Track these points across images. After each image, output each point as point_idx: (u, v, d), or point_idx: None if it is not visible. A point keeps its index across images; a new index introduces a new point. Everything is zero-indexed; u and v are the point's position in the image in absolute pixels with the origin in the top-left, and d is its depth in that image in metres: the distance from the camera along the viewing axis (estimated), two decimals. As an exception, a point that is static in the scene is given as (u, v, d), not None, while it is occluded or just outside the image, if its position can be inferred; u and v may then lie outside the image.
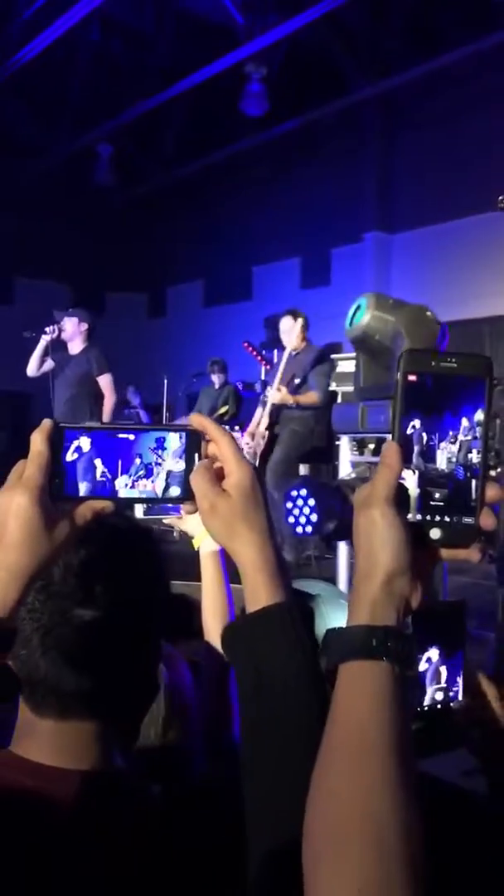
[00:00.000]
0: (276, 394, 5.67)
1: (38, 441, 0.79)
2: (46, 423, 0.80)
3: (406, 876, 0.57)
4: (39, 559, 0.77)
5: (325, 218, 11.73)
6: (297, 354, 5.84)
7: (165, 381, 8.32)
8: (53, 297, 14.09)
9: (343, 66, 10.32)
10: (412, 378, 0.72)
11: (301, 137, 11.59)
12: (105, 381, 6.77)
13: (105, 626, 0.89)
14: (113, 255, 14.26)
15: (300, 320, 5.99)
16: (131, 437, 0.81)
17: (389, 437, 0.74)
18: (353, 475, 3.49)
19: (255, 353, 9.84)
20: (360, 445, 3.71)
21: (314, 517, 2.60)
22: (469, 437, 0.73)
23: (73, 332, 6.75)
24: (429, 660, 1.08)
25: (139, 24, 10.72)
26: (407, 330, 3.13)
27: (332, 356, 7.50)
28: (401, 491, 0.71)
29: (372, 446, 4.79)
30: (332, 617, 1.24)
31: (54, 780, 0.87)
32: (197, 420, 0.83)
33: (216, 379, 8.66)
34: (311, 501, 2.36)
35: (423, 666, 0.99)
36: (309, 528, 2.31)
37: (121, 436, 0.81)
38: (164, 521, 1.95)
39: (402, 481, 0.71)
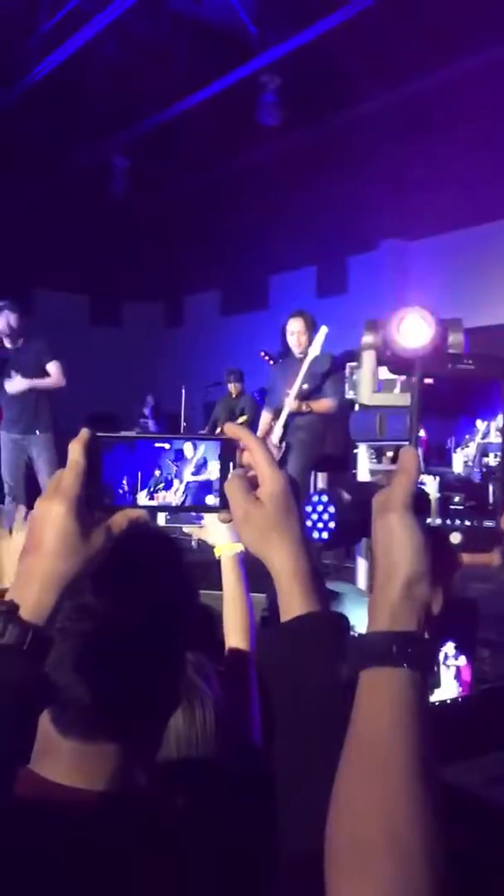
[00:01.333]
0: (292, 402, 5.66)
1: (75, 451, 0.80)
2: (84, 432, 0.81)
3: (427, 886, 0.57)
4: (75, 567, 0.78)
5: (341, 226, 11.74)
6: (311, 362, 5.82)
7: (183, 391, 8.35)
8: (72, 308, 14.21)
9: (358, 73, 10.34)
10: (429, 381, 0.71)
11: (316, 146, 11.62)
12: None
13: (133, 634, 0.89)
14: (130, 266, 14.34)
15: (308, 322, 5.98)
16: (167, 446, 0.82)
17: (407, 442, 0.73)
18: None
19: (271, 361, 9.84)
20: (379, 453, 3.71)
21: (332, 524, 2.59)
22: (485, 440, 0.72)
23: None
24: (444, 655, 1.08)
25: (154, 37, 10.79)
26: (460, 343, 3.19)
27: (349, 364, 7.49)
28: (421, 495, 0.70)
29: (390, 454, 4.78)
30: (355, 616, 1.24)
31: (76, 801, 0.86)
32: (231, 429, 0.83)
33: (233, 388, 8.70)
34: (331, 509, 2.37)
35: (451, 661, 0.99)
36: (325, 535, 2.30)
37: (156, 445, 0.83)
38: (185, 529, 1.96)
39: (422, 486, 0.71)
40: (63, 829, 0.83)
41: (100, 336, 14.04)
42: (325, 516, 2.56)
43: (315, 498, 2.60)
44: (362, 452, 3.62)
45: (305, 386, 5.75)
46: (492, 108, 9.89)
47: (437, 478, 0.72)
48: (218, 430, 8.35)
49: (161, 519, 1.90)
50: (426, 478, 0.71)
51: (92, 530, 0.79)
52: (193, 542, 6.42)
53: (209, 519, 1.73)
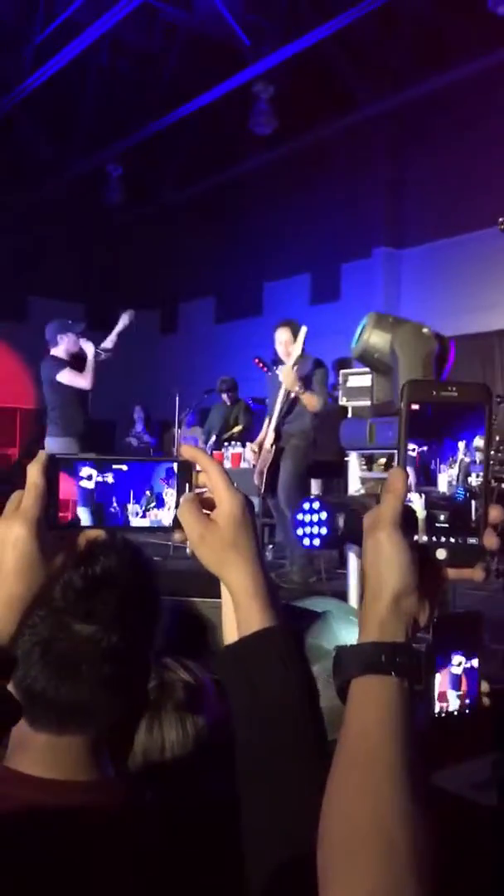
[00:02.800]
0: (285, 370, 5.65)
1: (34, 473, 0.81)
2: (42, 454, 0.83)
3: (415, 887, 0.60)
4: (35, 588, 0.79)
5: (335, 234, 11.80)
6: (295, 365, 5.88)
7: (177, 398, 8.36)
8: (67, 315, 14.17)
9: (351, 82, 10.41)
10: (415, 407, 0.75)
11: (310, 155, 11.68)
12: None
13: (104, 641, 0.92)
14: (124, 273, 14.36)
15: (294, 330, 6.04)
16: (124, 468, 0.84)
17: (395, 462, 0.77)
18: (363, 491, 3.52)
19: (265, 368, 9.86)
20: (369, 461, 3.74)
21: (324, 531, 2.63)
22: (468, 460, 0.76)
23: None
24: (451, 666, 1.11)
25: (148, 47, 10.86)
26: (401, 347, 3.18)
27: (343, 371, 7.53)
28: (408, 513, 0.73)
29: (383, 461, 4.82)
30: (342, 632, 1.27)
31: (50, 792, 0.90)
32: (188, 451, 0.85)
33: (226, 398, 8.71)
34: (323, 515, 2.40)
35: (456, 670, 1.02)
36: (317, 542, 2.34)
37: (115, 467, 0.84)
38: (175, 536, 1.98)
39: (409, 504, 0.74)
40: (40, 818, 0.86)
41: (95, 342, 14.02)
42: (316, 521, 2.60)
43: (305, 505, 2.64)
44: (353, 460, 3.65)
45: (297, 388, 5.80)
46: (484, 116, 9.97)
47: (423, 495, 0.75)
48: (213, 438, 8.36)
49: None
50: (413, 495, 0.75)
51: (52, 551, 0.81)
52: (188, 551, 6.40)
53: None
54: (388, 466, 4.45)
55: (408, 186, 11.29)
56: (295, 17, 8.98)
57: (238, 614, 0.84)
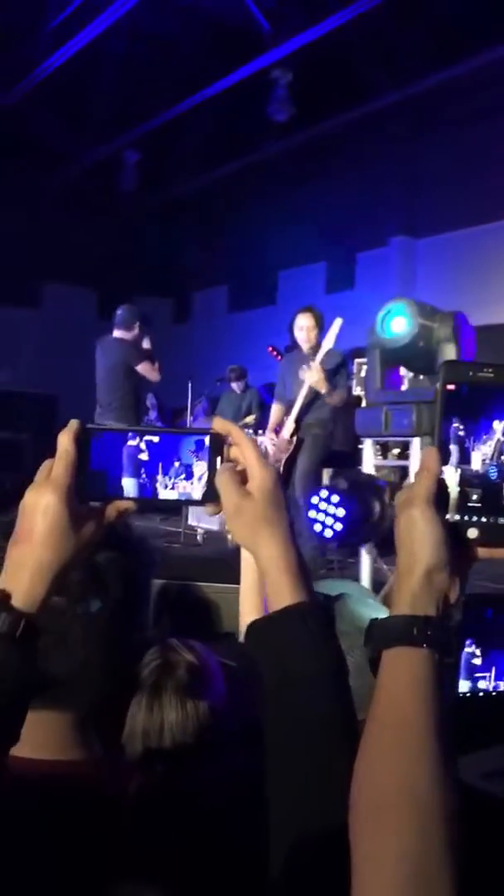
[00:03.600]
0: (312, 373, 5.49)
1: (64, 441, 0.81)
2: (73, 423, 0.82)
3: (444, 844, 0.62)
4: (65, 556, 0.79)
5: (350, 223, 11.73)
6: (325, 354, 5.77)
7: (189, 386, 8.34)
8: (80, 302, 14.24)
9: (368, 70, 10.33)
10: (451, 387, 0.77)
11: (326, 142, 11.61)
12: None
13: (70, 612, 0.91)
14: (139, 261, 14.36)
15: (317, 317, 5.95)
16: (155, 439, 0.83)
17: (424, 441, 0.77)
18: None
19: (279, 357, 9.84)
20: (384, 449, 3.71)
21: (339, 526, 2.60)
22: (502, 439, 0.77)
23: None
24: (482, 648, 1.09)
25: (165, 32, 10.80)
26: (454, 335, 3.17)
27: (357, 360, 7.50)
28: (443, 492, 0.75)
29: (396, 451, 4.78)
30: (360, 614, 1.24)
31: (33, 772, 0.89)
32: (220, 424, 0.85)
33: (236, 386, 8.68)
34: (340, 512, 2.37)
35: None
36: (329, 533, 2.32)
37: (147, 438, 0.84)
38: (207, 510, 1.94)
39: (442, 478, 0.75)
40: (20, 799, 0.85)
41: (108, 330, 14.02)
42: (331, 509, 2.57)
43: (324, 493, 2.60)
44: (368, 448, 3.61)
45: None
46: (501, 106, 9.87)
47: (459, 470, 0.76)
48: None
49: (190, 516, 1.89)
50: (447, 469, 0.76)
51: (82, 520, 0.80)
52: (199, 537, 6.38)
53: None
54: (402, 455, 4.41)
55: (425, 175, 11.21)
56: (313, 2, 8.90)
57: (269, 589, 0.84)
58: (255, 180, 12.53)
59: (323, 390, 5.40)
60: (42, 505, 0.78)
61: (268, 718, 0.81)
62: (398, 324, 3.26)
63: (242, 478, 0.84)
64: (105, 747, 0.97)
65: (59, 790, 0.88)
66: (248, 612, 1.50)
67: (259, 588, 1.52)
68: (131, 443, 0.83)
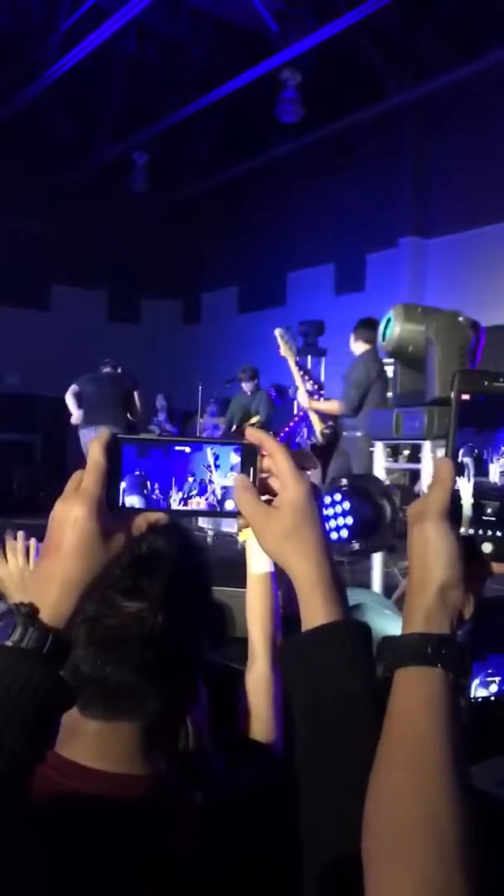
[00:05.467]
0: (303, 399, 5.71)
1: (96, 452, 0.79)
2: (105, 433, 0.81)
3: (464, 874, 0.60)
4: (94, 570, 0.77)
5: (360, 223, 11.71)
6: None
7: (200, 388, 8.35)
8: (90, 304, 14.28)
9: (378, 71, 10.31)
10: (465, 397, 0.74)
11: (336, 143, 11.60)
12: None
13: (151, 620, 0.89)
14: (148, 262, 14.38)
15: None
16: (187, 449, 0.81)
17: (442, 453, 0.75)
18: (388, 482, 3.48)
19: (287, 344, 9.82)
20: (395, 452, 3.70)
21: (344, 532, 2.59)
22: None
23: None
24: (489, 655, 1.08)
25: (175, 33, 10.82)
26: (438, 338, 3.13)
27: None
28: (457, 505, 0.72)
29: (406, 452, 4.77)
30: (377, 625, 1.23)
31: (100, 784, 0.88)
32: (253, 434, 0.82)
33: (247, 386, 8.66)
34: (346, 505, 2.36)
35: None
36: (345, 533, 2.31)
37: (177, 448, 0.82)
38: (238, 524, 1.93)
39: (457, 490, 0.73)
40: (86, 810, 0.85)
41: (118, 332, 14.08)
42: (341, 518, 2.56)
43: (327, 499, 2.59)
44: (379, 451, 3.61)
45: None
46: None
47: (473, 482, 0.74)
48: (233, 428, 8.33)
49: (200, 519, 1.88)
50: (461, 481, 0.73)
51: (112, 533, 0.78)
52: (209, 539, 6.36)
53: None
54: (412, 458, 4.40)
55: (435, 176, 11.18)
56: (323, 3, 8.89)
57: (301, 605, 0.82)
58: (265, 182, 12.53)
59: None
60: (71, 518, 0.76)
61: (302, 739, 0.79)
62: (391, 330, 3.26)
63: (274, 489, 0.81)
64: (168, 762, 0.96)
65: (119, 804, 0.87)
66: (254, 626, 1.48)
67: (264, 599, 1.49)
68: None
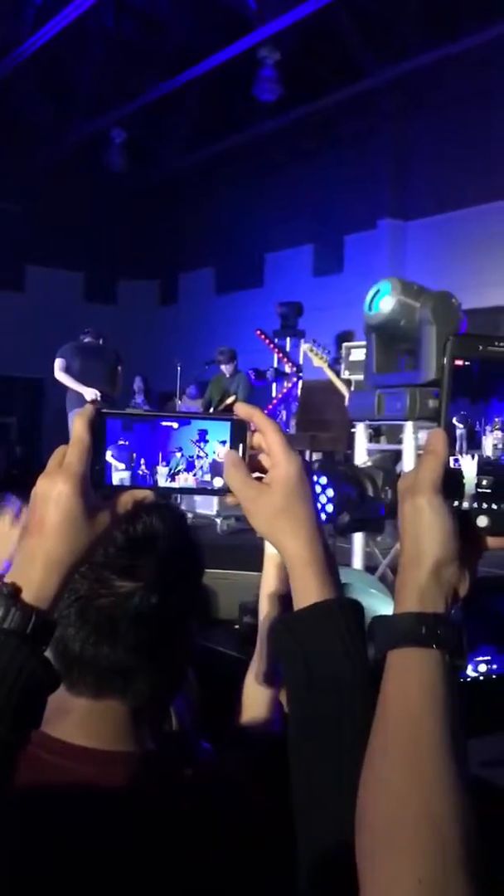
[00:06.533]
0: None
1: (79, 427, 0.76)
2: (88, 408, 0.77)
3: (464, 865, 0.58)
4: (79, 548, 0.74)
5: (339, 205, 11.67)
6: None
7: (179, 369, 8.29)
8: (65, 285, 14.13)
9: (357, 50, 10.24)
10: (459, 363, 0.71)
11: (314, 123, 11.52)
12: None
13: (145, 600, 0.88)
14: (124, 242, 14.25)
15: None
16: (174, 425, 0.79)
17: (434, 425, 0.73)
18: (369, 463, 3.47)
19: (267, 340, 9.80)
20: (377, 433, 3.69)
21: (329, 507, 2.57)
22: None
23: None
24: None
25: (153, 9, 10.66)
26: (435, 316, 3.09)
27: (345, 344, 7.47)
28: (450, 478, 0.69)
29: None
30: (367, 608, 1.21)
31: (88, 762, 0.87)
32: (243, 409, 0.80)
33: (226, 368, 8.61)
34: (329, 492, 2.35)
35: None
36: (322, 517, 2.29)
37: (164, 424, 0.80)
38: (228, 500, 1.89)
39: (458, 467, 0.70)
40: (77, 788, 0.84)
41: (95, 313, 13.93)
42: (323, 498, 2.55)
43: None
44: (360, 432, 3.59)
45: None
46: (493, 87, 9.82)
47: (476, 457, 0.71)
48: (211, 410, 8.29)
49: (197, 497, 1.87)
50: (465, 458, 0.70)
51: (96, 511, 0.76)
52: (189, 522, 6.40)
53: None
54: (391, 439, 4.39)
55: (414, 157, 11.15)
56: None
57: (293, 584, 0.80)
58: (243, 161, 12.43)
59: None
60: (54, 494, 0.74)
61: (293, 719, 0.77)
62: (382, 302, 3.21)
63: (264, 466, 0.79)
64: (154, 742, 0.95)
65: (109, 782, 0.86)
66: (265, 603, 1.46)
67: (279, 577, 1.47)
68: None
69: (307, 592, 0.78)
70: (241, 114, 11.43)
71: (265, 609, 1.28)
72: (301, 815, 0.74)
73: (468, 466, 0.70)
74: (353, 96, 10.83)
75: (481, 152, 9.94)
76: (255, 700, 1.32)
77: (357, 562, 3.44)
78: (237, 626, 3.00)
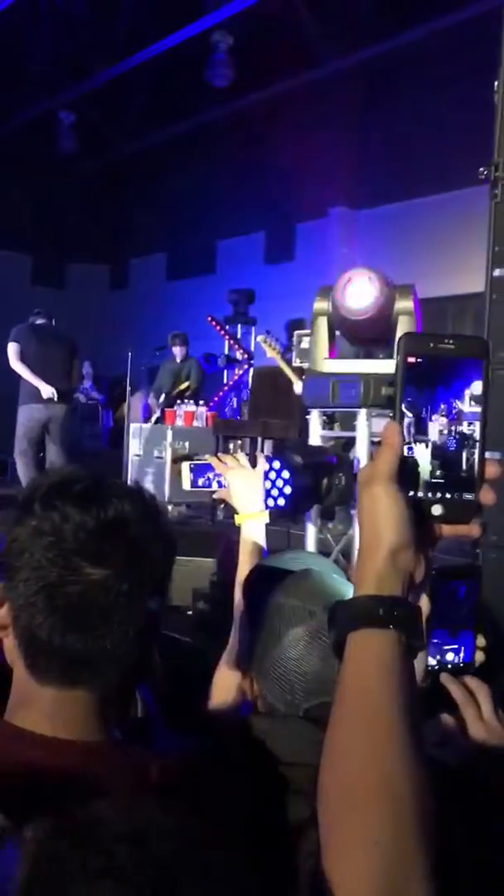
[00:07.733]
0: None
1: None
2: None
3: (419, 829, 0.61)
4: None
5: (290, 192, 11.65)
6: None
7: (130, 355, 8.21)
8: (11, 268, 13.86)
9: (311, 38, 10.21)
10: (412, 360, 0.74)
11: (267, 110, 11.47)
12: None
13: (115, 588, 0.87)
14: (75, 226, 14.03)
15: None
16: None
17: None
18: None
19: (218, 327, 9.77)
20: (331, 420, 3.72)
21: (287, 489, 2.59)
22: (464, 409, 0.76)
23: None
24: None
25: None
26: (410, 311, 3.17)
27: (297, 332, 7.49)
28: (406, 467, 0.73)
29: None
30: (325, 591, 1.23)
31: (56, 751, 0.86)
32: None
33: (177, 352, 8.58)
34: (286, 474, 2.36)
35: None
36: (282, 501, 2.30)
37: None
38: (214, 495, 1.96)
39: (412, 456, 0.73)
40: (45, 779, 0.83)
41: (42, 297, 13.64)
42: (280, 482, 2.56)
43: (266, 466, 2.58)
44: (314, 419, 3.61)
45: None
46: (449, 76, 9.87)
47: (430, 446, 0.74)
48: (162, 396, 8.24)
49: (186, 483, 1.87)
50: (418, 447, 0.74)
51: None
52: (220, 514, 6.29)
53: (235, 482, 1.72)
54: (345, 426, 4.41)
55: (367, 146, 11.18)
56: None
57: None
58: (195, 146, 12.33)
59: None
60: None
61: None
62: (362, 293, 3.24)
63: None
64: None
65: (74, 772, 0.85)
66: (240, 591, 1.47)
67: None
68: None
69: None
70: (194, 99, 11.33)
71: (240, 597, 1.29)
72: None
73: (422, 456, 0.74)
74: (306, 83, 10.81)
75: (434, 142, 10.00)
76: (228, 685, 1.32)
77: (311, 547, 3.47)
78: (190, 613, 3.00)
